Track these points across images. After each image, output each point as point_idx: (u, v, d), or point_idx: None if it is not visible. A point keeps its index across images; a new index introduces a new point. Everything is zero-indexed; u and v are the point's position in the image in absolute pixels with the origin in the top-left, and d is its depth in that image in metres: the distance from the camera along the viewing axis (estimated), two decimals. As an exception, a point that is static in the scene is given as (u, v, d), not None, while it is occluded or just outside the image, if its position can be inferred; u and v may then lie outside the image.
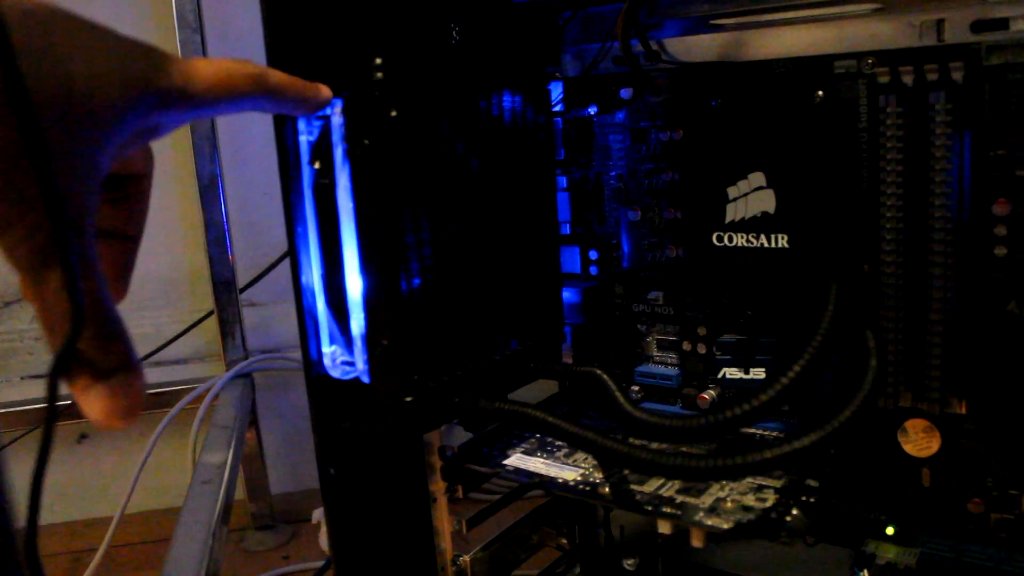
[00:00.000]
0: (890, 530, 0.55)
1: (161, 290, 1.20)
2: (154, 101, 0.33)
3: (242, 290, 1.17)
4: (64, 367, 0.30)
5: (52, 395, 0.29)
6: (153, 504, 1.18)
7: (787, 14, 0.54)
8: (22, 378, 1.19)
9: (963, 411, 0.51)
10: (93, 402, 0.31)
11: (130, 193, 0.37)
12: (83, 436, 1.22)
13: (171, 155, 1.14)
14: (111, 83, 0.31)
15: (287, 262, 0.53)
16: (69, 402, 0.32)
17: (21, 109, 0.27)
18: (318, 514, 0.97)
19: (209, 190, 1.11)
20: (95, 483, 1.21)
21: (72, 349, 0.29)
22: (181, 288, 1.21)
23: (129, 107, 0.32)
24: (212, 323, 1.17)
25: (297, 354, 1.15)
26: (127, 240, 0.38)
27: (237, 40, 1.14)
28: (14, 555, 0.19)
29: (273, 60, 0.50)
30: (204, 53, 1.09)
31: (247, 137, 1.17)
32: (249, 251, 1.17)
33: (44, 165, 0.27)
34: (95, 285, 0.31)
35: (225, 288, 1.14)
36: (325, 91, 0.46)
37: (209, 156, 1.11)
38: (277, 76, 0.42)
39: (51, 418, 0.29)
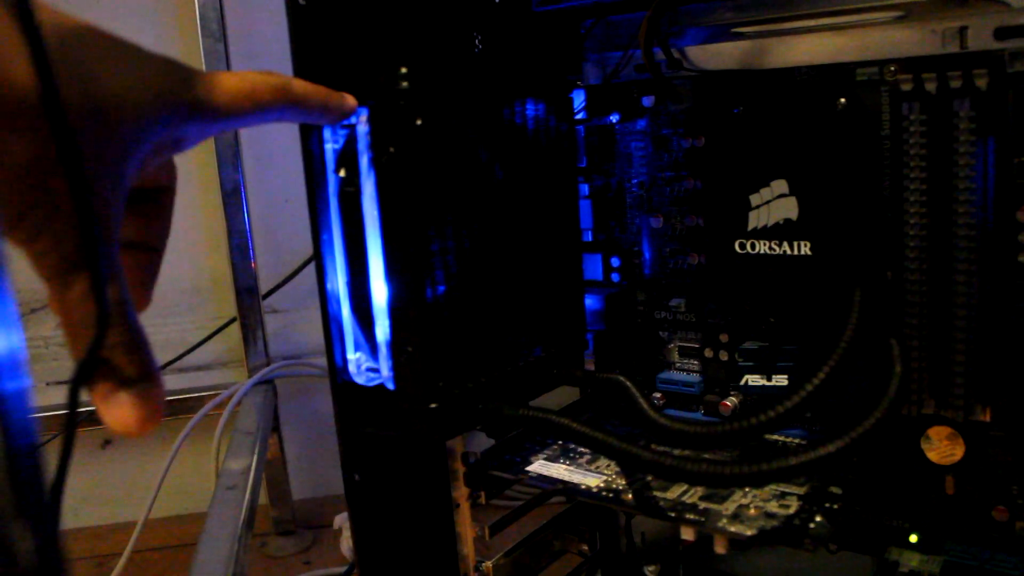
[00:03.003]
0: (913, 538, 0.55)
1: (184, 297, 1.21)
2: (180, 113, 0.34)
3: (264, 297, 1.17)
4: (87, 374, 0.31)
5: (74, 401, 0.29)
6: (176, 509, 1.19)
7: (809, 22, 0.54)
8: (47, 384, 1.20)
9: (987, 418, 0.51)
10: (114, 410, 0.32)
11: (154, 206, 0.38)
12: (107, 442, 1.23)
13: (195, 163, 1.16)
14: (139, 96, 0.32)
15: (309, 269, 0.53)
16: (93, 408, 0.32)
17: (56, 120, 0.27)
18: (339, 520, 0.98)
19: (232, 197, 1.12)
20: (119, 488, 1.22)
21: (96, 354, 0.30)
22: (204, 295, 1.22)
23: (155, 119, 0.33)
24: (235, 329, 1.18)
25: (319, 360, 1.17)
26: (151, 251, 0.38)
27: (261, 49, 1.15)
28: (60, 552, 0.20)
29: (299, 70, 0.50)
30: (227, 62, 1.10)
31: (270, 145, 1.18)
32: (271, 258, 1.18)
33: (77, 175, 0.28)
34: (120, 293, 0.31)
35: (248, 295, 1.15)
36: (350, 100, 0.46)
37: (232, 164, 1.12)
38: (301, 86, 0.42)
39: (72, 424, 0.30)
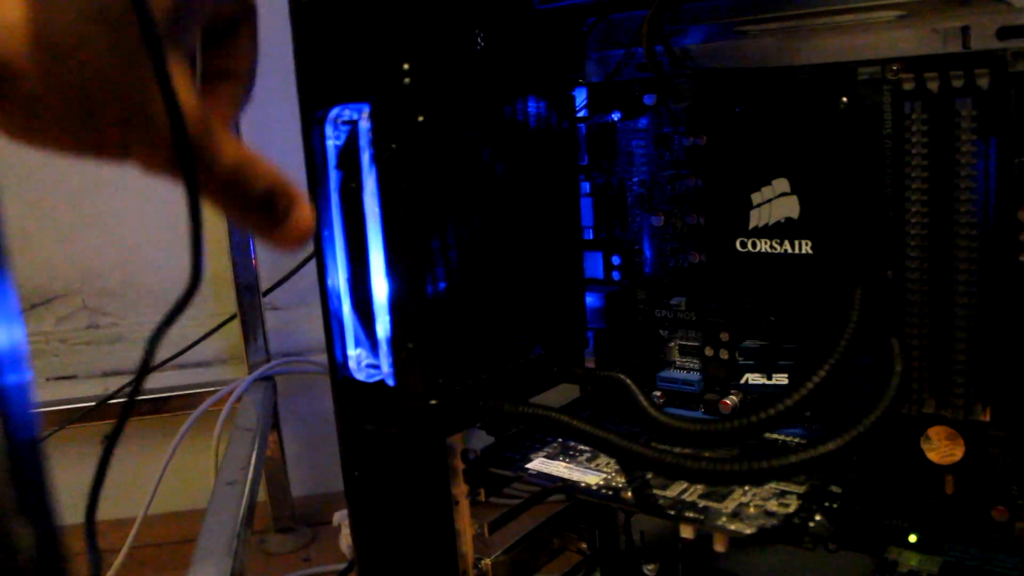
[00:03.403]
0: (913, 537, 0.55)
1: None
2: None
3: (265, 294, 1.17)
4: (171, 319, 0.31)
5: (149, 355, 0.30)
6: (176, 505, 1.19)
7: (811, 21, 0.54)
8: (48, 379, 1.20)
9: (987, 418, 0.51)
10: (274, 242, 0.34)
11: (233, 35, 0.36)
12: (107, 437, 1.23)
13: (196, 159, 1.15)
14: None
15: (309, 266, 0.53)
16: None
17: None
18: (339, 517, 0.98)
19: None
20: (118, 484, 1.21)
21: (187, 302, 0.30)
22: (204, 291, 1.22)
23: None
24: (235, 326, 1.18)
25: (318, 357, 1.17)
26: (242, 77, 0.36)
27: (263, 46, 1.15)
28: (60, 549, 0.20)
29: (301, 67, 0.50)
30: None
31: (270, 142, 1.18)
32: (272, 255, 1.18)
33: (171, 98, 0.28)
34: (244, 152, 0.32)
35: (248, 292, 1.15)
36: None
37: (233, 160, 1.12)
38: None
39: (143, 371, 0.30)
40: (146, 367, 0.31)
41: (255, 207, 0.32)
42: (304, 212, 0.34)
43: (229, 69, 0.36)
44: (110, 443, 0.29)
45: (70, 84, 0.27)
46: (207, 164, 0.30)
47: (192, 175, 0.29)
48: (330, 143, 0.51)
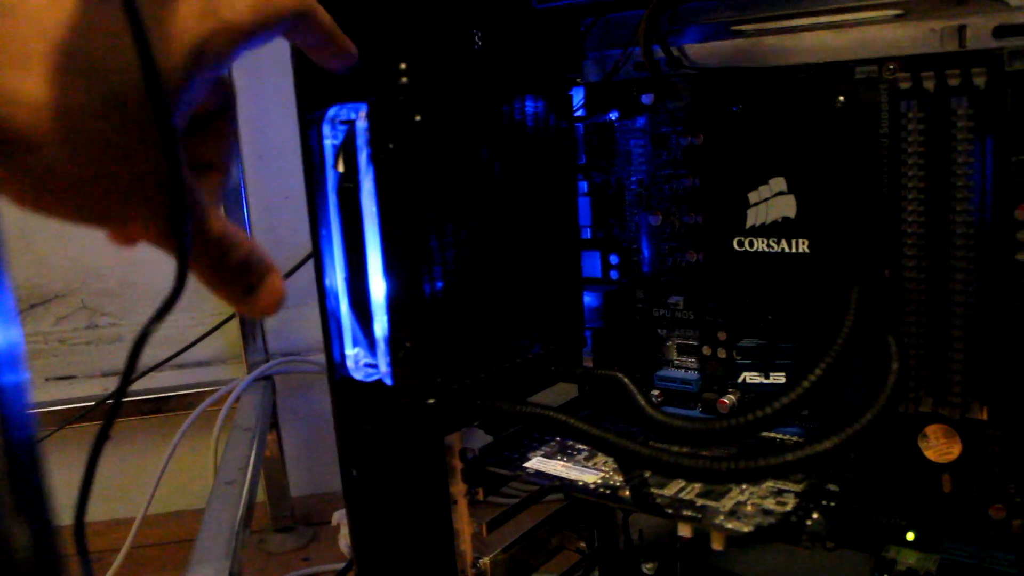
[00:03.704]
0: (910, 536, 0.55)
1: (183, 293, 1.21)
2: (214, 39, 0.34)
3: (264, 293, 1.17)
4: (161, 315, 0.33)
5: (133, 359, 0.31)
6: (175, 505, 1.20)
7: (808, 20, 0.54)
8: (46, 379, 1.20)
9: (984, 416, 0.51)
10: (245, 310, 0.36)
11: (212, 128, 0.38)
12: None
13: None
14: (181, 33, 0.32)
15: (308, 266, 0.53)
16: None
17: (153, 84, 0.29)
18: (337, 516, 0.98)
19: (232, 194, 1.13)
20: (117, 484, 1.22)
21: (183, 277, 0.32)
22: (203, 291, 1.21)
23: (191, 71, 0.33)
24: (234, 326, 1.18)
25: (317, 357, 1.17)
26: (218, 170, 0.39)
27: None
28: (57, 549, 0.20)
29: (299, 64, 0.50)
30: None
31: (269, 143, 1.18)
32: (270, 254, 1.18)
33: (171, 146, 0.29)
34: (221, 223, 0.34)
35: (247, 291, 1.14)
36: (353, 47, 0.45)
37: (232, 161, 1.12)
38: (318, 7, 0.42)
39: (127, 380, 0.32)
40: (130, 372, 0.32)
41: (232, 277, 0.35)
42: (275, 283, 0.37)
43: (212, 160, 0.38)
44: (98, 444, 0.30)
45: (83, 159, 0.29)
46: (194, 238, 0.33)
47: (184, 247, 0.32)
48: (328, 143, 0.51)
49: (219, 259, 0.34)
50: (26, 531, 0.19)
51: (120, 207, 0.31)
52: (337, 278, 0.52)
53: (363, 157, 0.49)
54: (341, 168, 0.50)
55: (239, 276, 0.35)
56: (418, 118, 0.48)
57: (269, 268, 0.36)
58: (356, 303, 0.52)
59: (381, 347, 0.51)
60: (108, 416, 0.32)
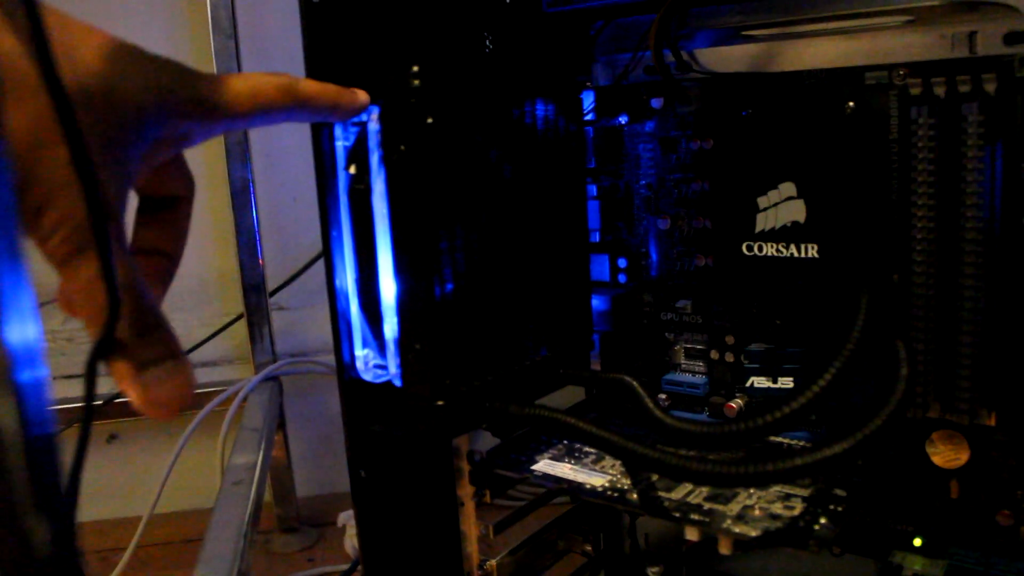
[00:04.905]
0: (917, 541, 0.55)
1: (191, 293, 1.22)
2: (180, 108, 0.35)
3: (271, 294, 1.18)
4: (103, 354, 0.31)
5: (91, 387, 0.30)
6: (181, 505, 1.20)
7: (818, 26, 0.54)
8: (54, 378, 1.21)
9: (992, 423, 0.51)
10: (136, 393, 0.32)
11: (170, 214, 0.39)
12: (112, 436, 1.23)
13: (204, 160, 1.16)
14: (137, 87, 0.33)
15: (316, 267, 0.54)
16: (100, 402, 0.33)
17: (54, 89, 0.27)
18: (343, 517, 0.98)
19: (241, 195, 1.13)
20: (124, 483, 1.22)
21: (111, 336, 0.30)
22: (211, 291, 1.22)
23: (156, 111, 0.34)
24: (241, 326, 1.18)
25: (324, 358, 1.17)
26: (166, 258, 0.39)
27: (272, 47, 1.16)
28: (75, 543, 0.20)
29: (311, 68, 0.51)
30: (238, 59, 1.10)
31: (279, 143, 1.18)
32: (279, 255, 1.18)
33: (77, 144, 0.28)
34: (131, 275, 0.31)
35: (255, 292, 1.15)
36: (362, 96, 0.47)
37: (241, 161, 1.12)
38: (309, 86, 0.43)
39: (89, 411, 0.30)
40: (91, 396, 0.31)
41: (135, 333, 0.32)
42: (181, 376, 0.33)
43: (162, 248, 0.38)
44: (82, 441, 0.30)
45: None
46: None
47: (105, 245, 0.30)
48: (339, 144, 0.51)
49: (134, 310, 0.32)
50: (46, 528, 0.19)
51: (32, 199, 0.30)
52: (347, 279, 0.52)
53: (375, 159, 0.49)
54: (353, 170, 0.50)
55: (143, 343, 0.32)
56: (430, 121, 0.48)
57: (181, 362, 0.33)
58: (366, 304, 0.52)
59: (391, 348, 0.51)
60: (83, 426, 0.31)
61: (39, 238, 0.30)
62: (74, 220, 0.29)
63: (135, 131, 0.33)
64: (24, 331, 0.20)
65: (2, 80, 0.28)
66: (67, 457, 0.29)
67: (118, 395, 1.12)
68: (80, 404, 0.29)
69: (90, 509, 1.21)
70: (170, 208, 0.39)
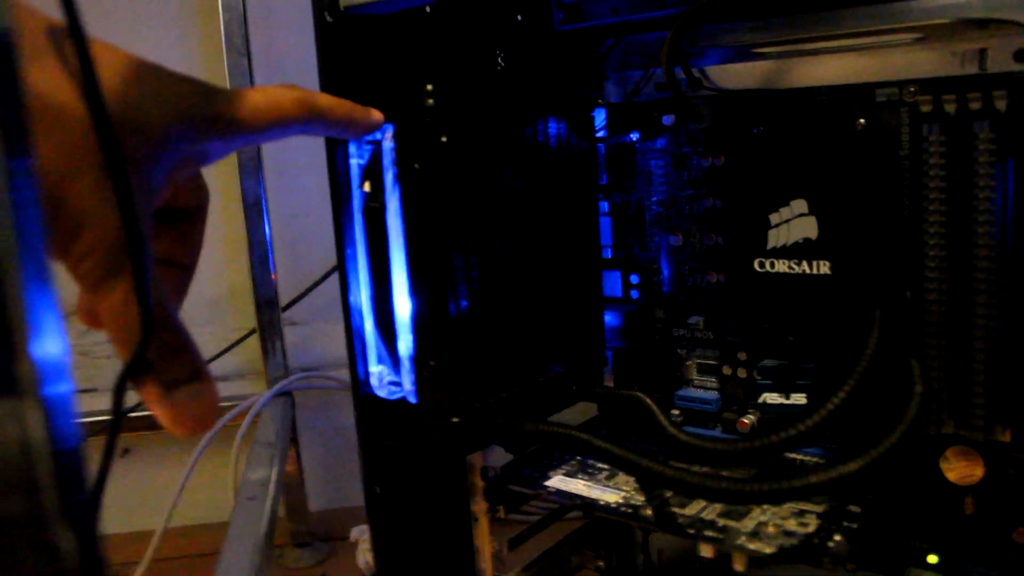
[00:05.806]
0: (932, 558, 0.55)
1: (204, 308, 1.23)
2: (202, 126, 0.36)
3: (284, 309, 1.18)
4: (134, 373, 0.31)
5: (118, 404, 0.30)
6: (194, 519, 1.20)
7: (829, 43, 0.55)
8: (70, 392, 1.21)
9: (1007, 439, 0.51)
10: (167, 412, 0.33)
11: (186, 225, 0.39)
12: (126, 450, 1.24)
13: (217, 175, 1.17)
14: (162, 109, 0.33)
15: (328, 282, 0.54)
16: (112, 416, 0.33)
17: (100, 117, 0.28)
18: (356, 532, 0.98)
19: (253, 210, 1.13)
20: (138, 497, 1.23)
21: (142, 357, 0.31)
22: (224, 306, 1.23)
23: (179, 131, 0.34)
24: (254, 341, 1.19)
25: (336, 373, 1.17)
26: (181, 269, 0.39)
27: (285, 64, 1.17)
28: (101, 554, 0.20)
29: (326, 86, 0.51)
30: (251, 77, 1.11)
31: (292, 158, 1.19)
32: (291, 270, 1.19)
33: (120, 170, 0.29)
34: (159, 296, 0.32)
35: (267, 307, 1.16)
36: (376, 115, 0.47)
37: (254, 176, 1.13)
38: (325, 100, 0.43)
39: (114, 427, 0.31)
40: (119, 415, 0.31)
41: (163, 358, 0.33)
42: (206, 394, 0.34)
43: (177, 259, 0.39)
44: (106, 456, 0.30)
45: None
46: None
47: (140, 269, 0.31)
48: (354, 162, 0.51)
49: (163, 331, 0.32)
50: (73, 540, 0.20)
51: (67, 224, 0.30)
52: (362, 296, 0.53)
53: (389, 177, 0.50)
54: (367, 188, 0.51)
55: (171, 363, 0.33)
56: (444, 139, 0.49)
57: (207, 380, 0.34)
58: (381, 321, 0.52)
59: (405, 365, 0.51)
60: (108, 439, 0.31)
61: (72, 262, 0.31)
62: (107, 243, 0.30)
63: (160, 152, 0.33)
64: (52, 347, 0.20)
65: (32, 111, 0.29)
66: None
67: (131, 409, 1.12)
68: (98, 419, 0.29)
69: (104, 522, 1.21)
70: (185, 219, 0.39)
